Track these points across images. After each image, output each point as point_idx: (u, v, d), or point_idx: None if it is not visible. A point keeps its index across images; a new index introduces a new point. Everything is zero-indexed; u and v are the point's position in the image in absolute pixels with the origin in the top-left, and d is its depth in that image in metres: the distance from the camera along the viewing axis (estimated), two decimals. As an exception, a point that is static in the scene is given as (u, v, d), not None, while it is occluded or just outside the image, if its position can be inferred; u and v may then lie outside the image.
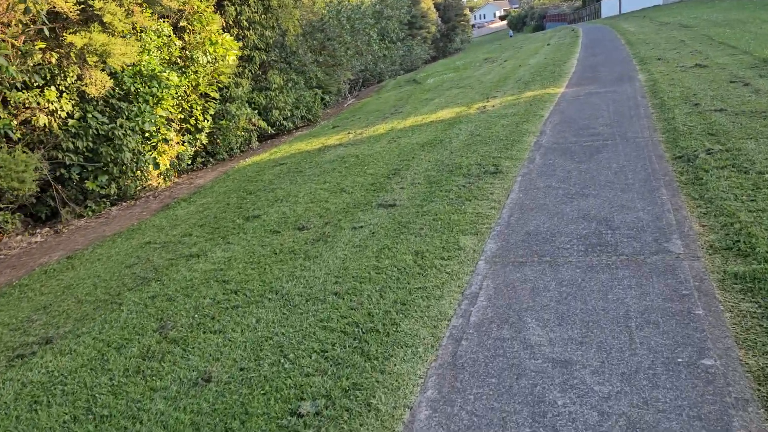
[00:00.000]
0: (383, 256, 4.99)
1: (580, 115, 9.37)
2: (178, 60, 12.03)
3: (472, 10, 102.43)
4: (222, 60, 12.32)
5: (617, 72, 13.74)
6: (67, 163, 9.65)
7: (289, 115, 16.02)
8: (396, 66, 37.44)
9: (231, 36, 14.04)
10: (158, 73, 10.67)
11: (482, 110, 11.61)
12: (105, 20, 8.79)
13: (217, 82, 12.71)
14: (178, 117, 12.04)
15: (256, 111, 14.59)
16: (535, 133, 8.65)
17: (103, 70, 9.66)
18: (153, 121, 10.57)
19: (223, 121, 13.02)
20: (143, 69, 10.60)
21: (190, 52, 11.76)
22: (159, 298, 5.14)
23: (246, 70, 14.45)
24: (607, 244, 4.49)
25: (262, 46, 14.92)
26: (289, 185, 8.75)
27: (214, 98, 12.68)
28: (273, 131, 15.68)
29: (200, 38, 12.00)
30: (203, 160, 13.53)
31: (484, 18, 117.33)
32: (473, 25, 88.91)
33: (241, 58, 14.48)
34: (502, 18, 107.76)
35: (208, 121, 12.60)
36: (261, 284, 4.94)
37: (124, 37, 9.73)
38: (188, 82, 11.67)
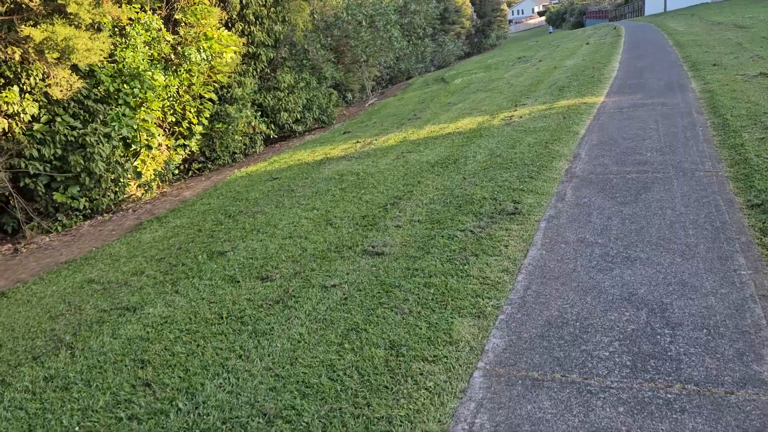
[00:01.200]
0: (347, 345, 3.64)
1: (623, 135, 7.84)
2: (172, 57, 10.85)
3: (509, 5, 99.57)
4: (219, 57, 11.09)
5: (666, 79, 12.08)
6: (32, 172, 8.54)
7: (299, 117, 14.74)
8: (426, 62, 35.86)
9: (236, 31, 12.84)
10: (141, 72, 9.48)
11: (508, 121, 10.13)
12: (69, 11, 7.61)
13: (214, 81, 11.50)
14: (169, 120, 10.88)
15: (259, 113, 13.33)
16: (568, 157, 7.17)
17: (74, 68, 8.53)
18: (133, 125, 9.40)
19: (220, 124, 11.80)
20: (125, 67, 9.44)
21: (182, 48, 10.56)
22: (54, 382, 3.89)
23: (251, 69, 13.21)
24: (665, 356, 3.06)
25: (270, 42, 13.65)
26: (274, 209, 7.46)
27: (210, 99, 11.48)
28: (276, 135, 14.39)
29: (195, 33, 10.79)
30: (200, 165, 12.37)
31: (522, 13, 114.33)
32: (510, 21, 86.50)
33: (246, 55, 13.26)
34: (540, 14, 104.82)
35: (202, 124, 11.41)
36: (180, 377, 3.64)
37: (98, 30, 8.58)
38: (178, 81, 10.47)
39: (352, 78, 21.74)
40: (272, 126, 14.28)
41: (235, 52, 12.11)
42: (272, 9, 13.37)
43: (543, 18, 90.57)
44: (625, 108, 9.60)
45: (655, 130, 7.84)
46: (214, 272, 5.53)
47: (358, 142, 11.36)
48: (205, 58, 10.81)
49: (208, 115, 11.49)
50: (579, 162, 6.91)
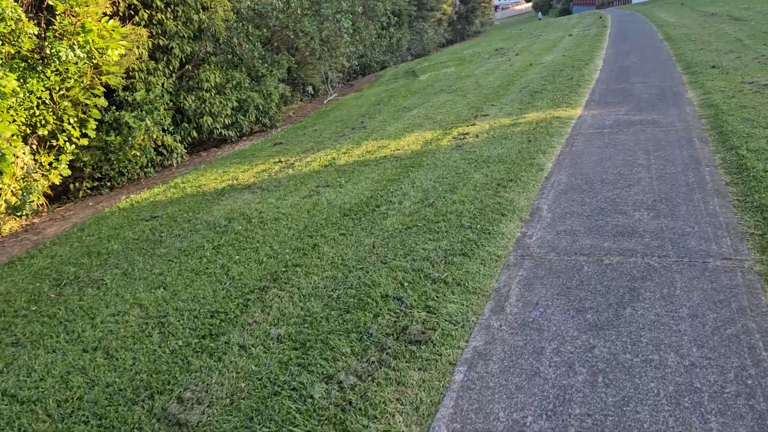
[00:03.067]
0: None
1: (602, 175, 5.77)
2: (47, 53, 8.56)
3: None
4: (104, 54, 8.81)
5: (657, 84, 10.02)
6: None
7: (229, 122, 12.49)
8: (402, 51, 33.52)
9: (140, 20, 10.53)
10: (-20, 76, 7.24)
11: (460, 141, 8.02)
12: None
13: (102, 84, 9.24)
14: (41, 133, 8.62)
15: (169, 120, 11.04)
16: (523, 214, 5.07)
17: None
18: (-30, 146, 7.17)
19: (110, 137, 9.55)
20: (-39, 69, 7.20)
21: (50, 44, 8.28)
22: None
23: (161, 66, 10.93)
24: None
25: (189, 34, 11.36)
26: (118, 278, 5.32)
27: (96, 105, 9.22)
28: (186, 147, 12.06)
29: (71, 24, 8.50)
30: (96, 184, 10.14)
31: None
32: (496, 7, 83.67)
33: (156, 48, 10.98)
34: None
35: (87, 137, 9.16)
36: None
37: None
38: (43, 86, 8.21)
39: (311, 70, 19.52)
40: (195, 132, 12.05)
41: (136, 47, 9.86)
42: (189, -6, 11.08)
43: (530, 4, 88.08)
44: (607, 128, 7.53)
45: (646, 168, 5.78)
46: (-61, 428, 3.40)
47: (280, 161, 9.18)
48: (84, 55, 8.53)
49: (95, 126, 9.23)
50: (538, 224, 4.82)
